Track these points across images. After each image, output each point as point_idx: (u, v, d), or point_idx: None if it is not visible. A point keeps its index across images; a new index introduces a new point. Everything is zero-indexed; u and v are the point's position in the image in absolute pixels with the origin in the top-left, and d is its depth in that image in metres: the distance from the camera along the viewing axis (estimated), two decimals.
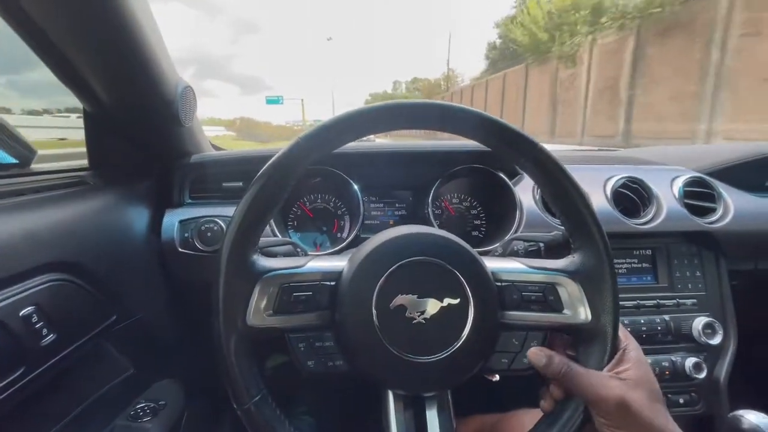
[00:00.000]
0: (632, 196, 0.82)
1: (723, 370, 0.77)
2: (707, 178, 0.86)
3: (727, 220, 0.80)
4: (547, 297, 0.43)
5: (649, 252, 0.82)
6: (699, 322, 0.76)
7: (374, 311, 0.40)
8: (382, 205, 0.90)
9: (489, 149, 0.46)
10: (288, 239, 0.62)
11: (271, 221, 0.77)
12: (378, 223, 0.89)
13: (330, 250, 0.78)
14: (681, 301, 0.79)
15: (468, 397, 0.57)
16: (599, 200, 0.79)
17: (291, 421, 0.42)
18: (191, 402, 0.80)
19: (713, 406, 0.77)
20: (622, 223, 0.78)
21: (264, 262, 0.43)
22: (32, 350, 0.47)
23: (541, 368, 0.42)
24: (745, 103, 5.79)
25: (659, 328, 0.77)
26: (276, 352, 0.90)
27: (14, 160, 0.69)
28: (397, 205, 0.90)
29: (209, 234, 0.74)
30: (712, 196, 0.84)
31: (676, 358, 0.76)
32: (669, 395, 0.76)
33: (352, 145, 0.46)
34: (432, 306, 0.41)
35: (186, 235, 0.75)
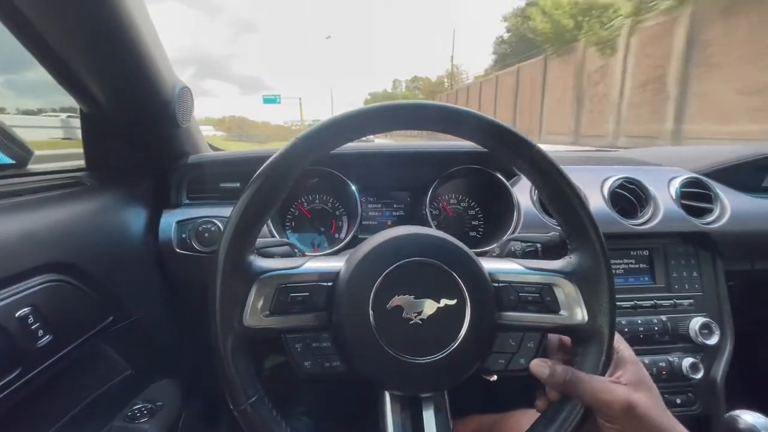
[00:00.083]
0: (629, 197, 0.82)
1: (720, 370, 0.77)
2: (704, 178, 0.86)
3: (724, 220, 0.81)
4: (543, 298, 0.43)
5: (646, 252, 0.82)
6: (696, 322, 0.77)
7: (371, 312, 0.40)
8: (380, 205, 0.90)
9: (486, 150, 0.46)
10: (285, 240, 0.62)
11: (269, 222, 0.77)
12: (376, 224, 0.89)
13: (328, 251, 0.78)
14: (678, 301, 0.79)
15: (465, 398, 0.57)
16: (596, 201, 0.80)
17: (288, 422, 0.41)
18: (188, 403, 0.80)
19: (710, 406, 0.77)
20: (619, 223, 0.78)
21: (261, 262, 0.43)
22: (28, 351, 0.47)
23: (545, 379, 0.42)
24: None
25: (656, 328, 0.77)
26: (273, 352, 0.90)
27: (11, 161, 0.69)
28: (395, 205, 0.90)
29: (207, 235, 0.74)
30: (708, 197, 0.84)
31: (673, 358, 0.76)
32: (666, 395, 0.76)
33: (350, 146, 0.46)
34: (429, 307, 0.41)
35: (183, 235, 0.74)
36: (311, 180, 0.85)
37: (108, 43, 0.58)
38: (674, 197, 0.83)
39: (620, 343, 0.44)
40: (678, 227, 0.80)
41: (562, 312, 0.43)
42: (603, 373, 0.41)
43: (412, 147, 0.86)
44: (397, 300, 0.41)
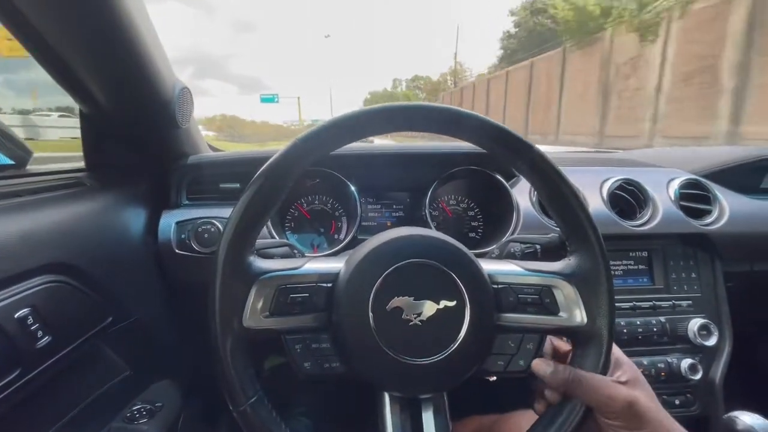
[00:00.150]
0: (628, 198, 0.83)
1: (718, 371, 0.77)
2: (703, 180, 0.86)
3: (723, 222, 0.81)
4: (543, 299, 0.43)
5: (645, 254, 0.83)
6: (694, 323, 0.77)
7: (371, 313, 0.40)
8: (379, 206, 0.90)
9: (486, 151, 0.46)
10: (285, 241, 0.62)
11: (269, 223, 0.77)
12: (375, 225, 0.89)
13: (327, 252, 0.79)
14: (677, 302, 0.80)
15: (464, 399, 0.57)
16: (595, 202, 0.80)
17: (287, 423, 0.41)
18: (188, 403, 0.80)
19: (708, 407, 0.77)
20: (619, 225, 0.78)
21: (261, 263, 0.43)
22: (28, 352, 0.47)
23: (548, 377, 0.42)
24: None
25: (655, 329, 0.77)
26: (273, 353, 0.90)
27: (11, 162, 0.68)
28: (394, 206, 0.90)
29: (206, 235, 0.74)
30: (707, 199, 0.84)
31: (671, 359, 0.77)
32: (665, 396, 0.76)
33: (350, 147, 0.46)
34: (428, 308, 0.41)
35: (183, 236, 0.74)
36: (311, 181, 0.85)
37: (108, 44, 0.58)
38: (673, 199, 0.83)
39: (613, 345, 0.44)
40: (677, 228, 0.80)
41: (561, 314, 0.43)
42: (603, 374, 0.41)
43: (411, 148, 0.86)
44: (396, 301, 0.41)
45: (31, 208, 0.55)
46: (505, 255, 0.60)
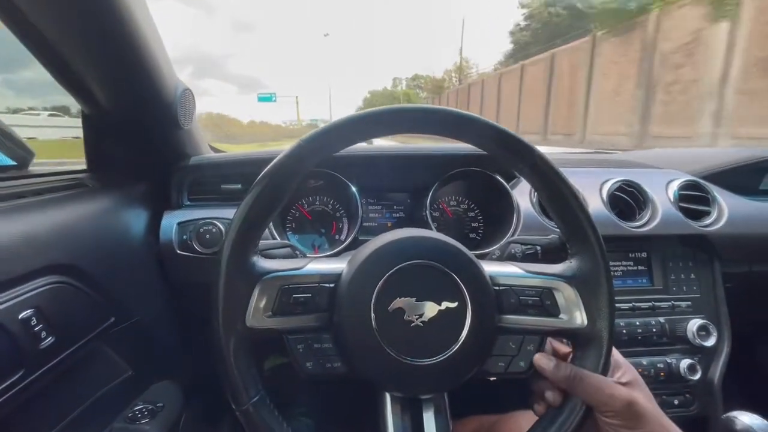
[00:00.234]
0: (628, 200, 0.83)
1: (717, 371, 0.78)
2: (702, 181, 0.87)
3: (722, 223, 0.81)
4: (544, 301, 0.44)
5: (644, 255, 0.83)
6: (693, 324, 0.77)
7: (373, 314, 0.41)
8: (380, 207, 0.90)
9: (486, 153, 0.47)
10: (286, 242, 0.62)
11: (270, 224, 0.77)
12: (376, 226, 0.90)
13: (328, 253, 0.79)
14: (676, 303, 0.80)
15: (465, 399, 0.58)
16: (595, 203, 0.80)
17: (288, 423, 0.42)
18: (189, 404, 0.80)
19: (707, 407, 0.77)
20: (618, 226, 0.78)
21: (264, 263, 0.43)
22: (31, 353, 0.47)
23: (550, 373, 0.42)
24: None
25: (654, 330, 0.78)
26: (274, 353, 0.90)
27: (13, 162, 0.69)
28: (395, 207, 0.90)
29: (208, 236, 0.74)
30: (706, 200, 0.85)
31: (670, 359, 0.77)
32: (664, 396, 0.77)
33: (351, 148, 0.46)
34: (430, 309, 0.41)
35: (184, 237, 0.75)
36: (312, 182, 0.85)
37: (110, 44, 0.58)
38: (672, 200, 0.83)
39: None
40: (676, 230, 0.80)
41: (561, 316, 0.43)
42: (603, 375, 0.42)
43: (412, 149, 0.86)
44: (398, 302, 0.41)
45: (34, 210, 0.55)
46: (506, 256, 0.61)
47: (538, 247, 0.60)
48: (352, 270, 0.42)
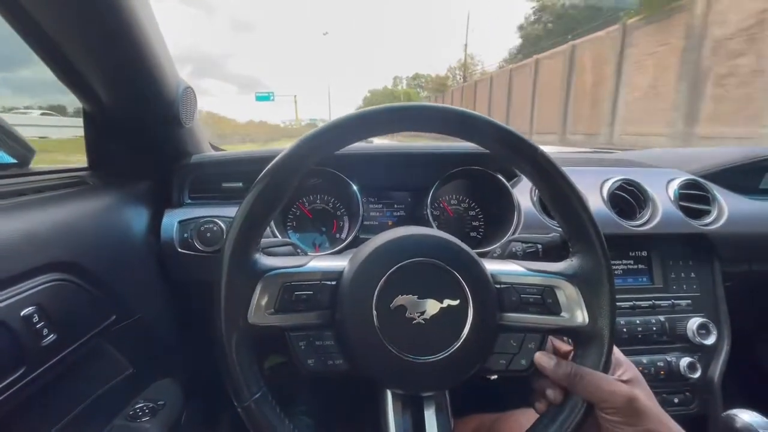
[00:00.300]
0: (628, 198, 0.83)
1: (717, 369, 0.78)
2: (702, 180, 0.87)
3: (722, 222, 0.82)
4: (545, 300, 0.44)
5: (644, 253, 0.83)
6: (693, 322, 0.77)
7: (374, 311, 0.41)
8: (381, 206, 0.90)
9: (488, 151, 0.47)
10: (288, 240, 0.62)
11: (272, 222, 0.77)
12: (377, 224, 0.90)
13: (329, 251, 0.79)
14: (676, 302, 0.80)
15: (466, 397, 0.58)
16: (595, 202, 0.80)
17: (289, 421, 0.42)
18: (190, 402, 0.80)
19: (707, 405, 0.78)
20: (618, 224, 0.79)
21: (266, 260, 0.43)
22: (33, 350, 0.47)
23: (551, 371, 0.42)
24: None
25: (654, 328, 0.78)
26: (275, 351, 0.90)
27: (13, 160, 0.69)
28: (395, 206, 0.91)
29: (209, 234, 0.74)
30: (706, 199, 0.85)
31: (671, 358, 0.77)
32: (664, 395, 0.77)
33: (352, 146, 0.46)
34: (432, 307, 0.42)
35: (185, 235, 0.75)
36: (313, 180, 0.85)
37: (112, 42, 0.58)
38: (672, 199, 0.83)
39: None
40: (676, 228, 0.81)
41: (563, 314, 0.43)
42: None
43: (413, 148, 0.87)
44: (400, 299, 0.41)
45: (35, 207, 0.55)
46: (507, 254, 0.61)
47: (539, 246, 0.60)
48: (353, 267, 0.42)
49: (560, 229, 0.47)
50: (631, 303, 0.79)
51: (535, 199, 0.81)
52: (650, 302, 0.79)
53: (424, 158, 0.86)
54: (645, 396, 0.40)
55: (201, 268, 0.74)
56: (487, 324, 0.42)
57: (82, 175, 0.72)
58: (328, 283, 0.43)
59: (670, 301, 0.80)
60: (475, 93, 18.44)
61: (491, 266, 0.45)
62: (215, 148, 0.97)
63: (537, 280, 0.45)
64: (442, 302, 0.42)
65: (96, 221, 0.63)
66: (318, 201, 0.89)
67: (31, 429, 0.54)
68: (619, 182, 0.83)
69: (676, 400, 0.77)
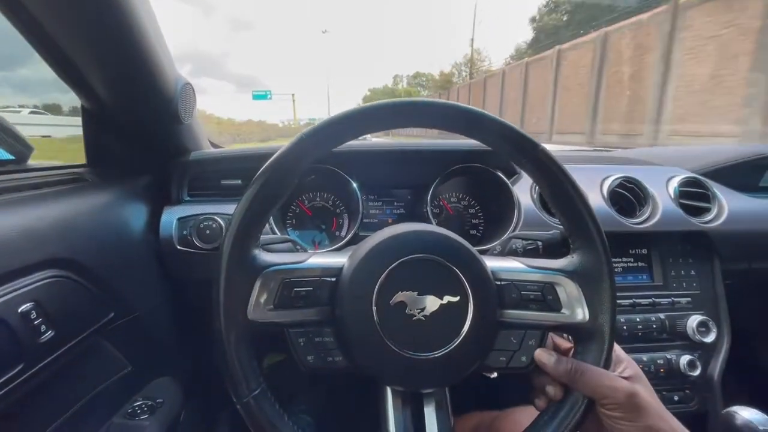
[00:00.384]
0: (628, 196, 0.83)
1: (717, 367, 0.78)
2: (702, 178, 0.87)
3: (722, 220, 0.82)
4: (545, 296, 0.44)
5: (644, 251, 0.83)
6: (693, 320, 0.77)
7: (374, 308, 0.41)
8: (380, 203, 0.90)
9: (488, 148, 0.46)
10: (287, 237, 0.62)
11: (271, 219, 0.77)
12: (377, 222, 0.89)
13: (329, 249, 0.79)
14: (676, 299, 0.80)
15: (466, 395, 0.58)
16: (596, 200, 0.80)
17: (289, 419, 0.42)
18: (190, 401, 0.80)
19: (707, 403, 0.78)
20: (619, 222, 0.78)
21: (265, 257, 0.43)
22: (31, 347, 0.46)
23: (551, 367, 0.42)
24: None
25: (654, 326, 0.78)
26: (272, 350, 0.90)
27: (11, 156, 0.68)
28: (395, 203, 0.90)
29: (208, 232, 0.74)
30: (706, 197, 0.85)
31: (670, 355, 0.77)
32: (664, 392, 0.77)
33: (352, 144, 0.46)
34: (432, 303, 0.41)
35: (184, 232, 0.74)
36: (313, 177, 0.85)
37: (111, 39, 0.58)
38: (672, 196, 0.83)
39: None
40: (676, 226, 0.80)
41: (563, 310, 0.43)
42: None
43: (413, 145, 0.86)
44: (400, 296, 0.41)
45: (33, 203, 0.54)
46: (507, 251, 0.61)
47: (539, 243, 0.60)
48: (353, 264, 0.42)
49: (561, 226, 0.47)
50: (631, 301, 0.79)
51: (535, 196, 0.81)
52: (650, 300, 0.79)
53: (424, 155, 0.86)
54: (646, 392, 0.40)
55: (200, 266, 0.74)
56: (487, 321, 0.42)
57: (81, 171, 0.71)
58: (328, 279, 0.43)
59: (670, 299, 0.80)
60: (485, 89, 16.61)
61: (491, 263, 0.45)
62: (214, 146, 0.97)
63: (537, 276, 0.44)
64: (442, 299, 0.41)
65: (94, 218, 0.63)
66: (318, 199, 0.89)
67: (28, 426, 0.54)
68: (620, 180, 0.83)
69: (676, 398, 0.77)
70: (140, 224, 0.72)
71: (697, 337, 0.77)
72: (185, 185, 0.81)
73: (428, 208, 0.80)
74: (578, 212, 0.42)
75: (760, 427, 0.57)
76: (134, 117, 0.71)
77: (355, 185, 0.81)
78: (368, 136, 0.47)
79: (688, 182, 0.85)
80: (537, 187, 0.80)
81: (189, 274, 0.75)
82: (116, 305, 0.63)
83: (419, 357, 0.41)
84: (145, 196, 0.76)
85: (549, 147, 0.44)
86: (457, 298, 0.42)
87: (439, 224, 0.84)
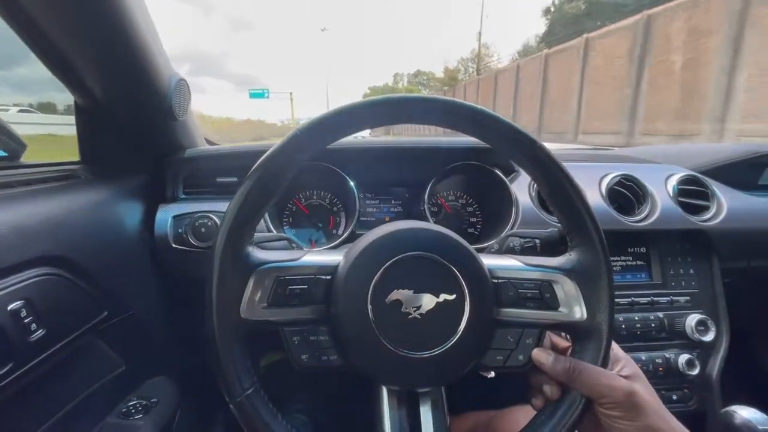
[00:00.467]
0: (627, 194, 0.83)
1: (715, 366, 0.78)
2: (701, 176, 0.86)
3: (720, 218, 0.81)
4: (543, 294, 0.43)
5: (643, 249, 0.83)
6: (692, 319, 0.77)
7: (370, 306, 0.40)
8: (378, 201, 0.89)
9: (485, 146, 0.46)
10: (283, 234, 0.61)
11: (267, 217, 0.76)
12: (374, 220, 0.89)
13: (325, 247, 0.78)
14: (674, 298, 0.80)
15: (462, 395, 0.57)
16: (594, 198, 0.80)
17: (284, 418, 0.41)
18: (185, 400, 0.79)
19: (706, 402, 0.77)
20: (617, 220, 0.78)
21: (259, 254, 0.42)
22: (20, 346, 0.46)
23: (549, 366, 0.42)
24: None
25: (653, 325, 0.77)
26: (270, 347, 0.90)
27: (3, 153, 0.67)
28: (393, 201, 0.90)
29: (203, 230, 0.73)
30: (705, 195, 0.84)
31: (669, 354, 0.77)
32: (662, 392, 0.77)
33: (349, 141, 0.45)
34: (428, 301, 0.41)
35: (179, 230, 0.74)
36: (309, 175, 0.84)
37: (104, 34, 0.57)
38: (671, 195, 0.83)
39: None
40: (675, 224, 0.80)
41: (561, 309, 0.43)
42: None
43: (410, 143, 0.86)
44: (396, 294, 0.41)
45: (24, 200, 0.54)
46: (505, 249, 0.60)
47: (537, 241, 0.59)
48: (348, 261, 0.42)
49: (559, 224, 0.46)
50: (630, 299, 0.79)
51: (533, 194, 0.80)
52: (649, 299, 0.79)
53: (422, 153, 0.85)
54: (644, 391, 0.40)
55: (195, 264, 0.73)
56: (483, 319, 0.42)
57: (74, 168, 0.70)
58: (323, 277, 0.42)
59: (668, 298, 0.80)
60: (496, 85, 15.14)
61: (488, 261, 0.44)
62: (210, 143, 0.96)
63: (535, 274, 0.44)
64: (438, 297, 0.41)
65: (88, 215, 0.62)
66: (314, 197, 0.88)
67: (20, 426, 0.53)
68: (618, 178, 0.83)
69: (674, 397, 0.77)
70: (135, 222, 0.72)
71: (696, 336, 0.76)
72: (180, 183, 0.80)
73: (426, 206, 0.79)
74: (576, 210, 0.42)
75: (759, 426, 0.56)
76: (128, 114, 0.70)
77: (352, 183, 0.81)
78: (367, 134, 0.46)
79: (687, 180, 0.85)
80: (535, 185, 0.79)
81: (184, 272, 0.75)
82: (110, 304, 0.62)
83: (415, 356, 0.40)
84: (140, 193, 0.75)
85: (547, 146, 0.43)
86: (453, 297, 0.41)
87: (437, 222, 0.84)
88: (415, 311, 0.41)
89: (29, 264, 0.49)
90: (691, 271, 0.82)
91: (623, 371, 0.42)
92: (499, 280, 0.43)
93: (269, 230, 0.76)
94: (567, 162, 0.45)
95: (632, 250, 0.83)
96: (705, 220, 0.81)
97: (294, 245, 0.56)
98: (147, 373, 0.77)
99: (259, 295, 0.41)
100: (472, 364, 0.42)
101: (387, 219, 0.89)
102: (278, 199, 0.44)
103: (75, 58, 0.59)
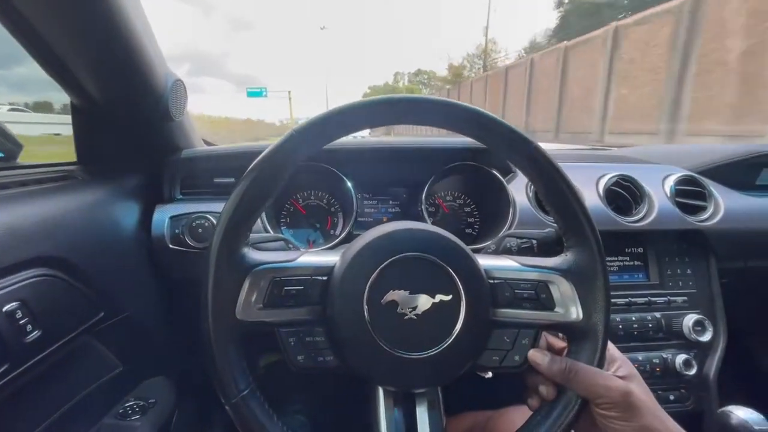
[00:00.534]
0: (624, 194, 0.83)
1: (713, 366, 0.78)
2: (698, 176, 0.86)
3: (718, 218, 0.81)
4: (539, 295, 0.43)
5: (640, 250, 0.83)
6: (689, 319, 0.77)
7: (365, 306, 0.40)
8: (375, 202, 0.89)
9: (483, 146, 0.46)
10: (279, 235, 0.61)
11: (264, 218, 0.76)
12: (371, 221, 0.89)
13: (323, 247, 0.78)
14: (672, 298, 0.80)
15: (459, 395, 0.57)
16: (591, 198, 0.80)
17: (282, 420, 0.41)
18: (183, 400, 0.79)
19: (703, 402, 0.77)
20: (615, 221, 0.78)
21: (255, 255, 0.42)
22: (16, 347, 0.46)
23: (545, 367, 0.42)
24: None
25: (650, 325, 0.78)
26: (266, 348, 0.90)
27: None
28: (390, 202, 0.90)
29: (200, 230, 0.73)
30: (703, 195, 0.84)
31: (666, 355, 0.77)
32: (660, 392, 0.77)
33: (346, 142, 0.45)
34: (424, 302, 0.41)
35: (176, 231, 0.74)
36: (307, 176, 0.84)
37: (100, 35, 0.57)
38: (669, 195, 0.83)
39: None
40: (672, 225, 0.80)
41: (557, 309, 0.43)
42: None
43: (408, 143, 0.86)
44: (391, 295, 0.41)
45: (20, 201, 0.54)
46: (502, 250, 0.60)
47: (534, 241, 0.59)
48: (344, 262, 0.42)
49: (555, 224, 0.47)
50: (627, 300, 0.79)
51: (530, 195, 0.80)
52: (646, 299, 0.79)
53: (420, 154, 0.85)
54: (641, 391, 0.40)
55: (192, 265, 0.73)
56: (479, 320, 0.42)
57: (70, 169, 0.70)
58: (319, 278, 0.42)
59: (665, 298, 0.80)
60: (506, 81, 13.89)
61: (485, 261, 0.44)
62: (208, 143, 0.96)
63: (531, 275, 0.44)
64: (434, 297, 0.41)
65: (85, 216, 0.62)
66: (312, 197, 0.88)
67: (17, 427, 0.53)
68: (615, 178, 0.83)
69: (671, 397, 0.77)
70: (131, 223, 0.71)
71: (693, 336, 0.76)
72: (177, 183, 0.80)
73: (423, 207, 0.79)
74: (572, 210, 0.42)
75: (756, 427, 0.57)
76: (124, 114, 0.70)
77: (349, 183, 0.81)
78: (366, 134, 0.46)
79: (684, 180, 0.85)
80: (532, 186, 0.79)
81: (181, 273, 0.75)
82: (106, 304, 0.62)
83: (411, 356, 0.40)
84: (137, 194, 0.75)
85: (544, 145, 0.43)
86: (449, 297, 0.41)
87: (434, 223, 0.83)
88: (411, 312, 0.41)
89: (25, 265, 0.49)
90: (689, 272, 0.82)
91: (619, 371, 0.42)
92: (496, 281, 0.43)
93: (266, 231, 0.76)
94: (564, 162, 0.45)
95: (629, 250, 0.83)
96: (702, 221, 0.81)
97: (290, 246, 0.56)
98: (144, 373, 0.77)
99: (254, 296, 0.40)
100: (469, 365, 0.42)
101: (385, 219, 0.89)
102: (275, 199, 0.44)
103: (71, 59, 0.58)
